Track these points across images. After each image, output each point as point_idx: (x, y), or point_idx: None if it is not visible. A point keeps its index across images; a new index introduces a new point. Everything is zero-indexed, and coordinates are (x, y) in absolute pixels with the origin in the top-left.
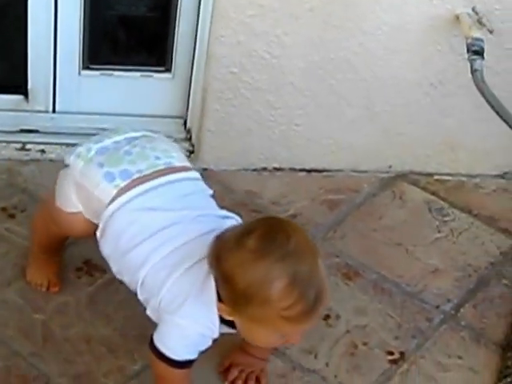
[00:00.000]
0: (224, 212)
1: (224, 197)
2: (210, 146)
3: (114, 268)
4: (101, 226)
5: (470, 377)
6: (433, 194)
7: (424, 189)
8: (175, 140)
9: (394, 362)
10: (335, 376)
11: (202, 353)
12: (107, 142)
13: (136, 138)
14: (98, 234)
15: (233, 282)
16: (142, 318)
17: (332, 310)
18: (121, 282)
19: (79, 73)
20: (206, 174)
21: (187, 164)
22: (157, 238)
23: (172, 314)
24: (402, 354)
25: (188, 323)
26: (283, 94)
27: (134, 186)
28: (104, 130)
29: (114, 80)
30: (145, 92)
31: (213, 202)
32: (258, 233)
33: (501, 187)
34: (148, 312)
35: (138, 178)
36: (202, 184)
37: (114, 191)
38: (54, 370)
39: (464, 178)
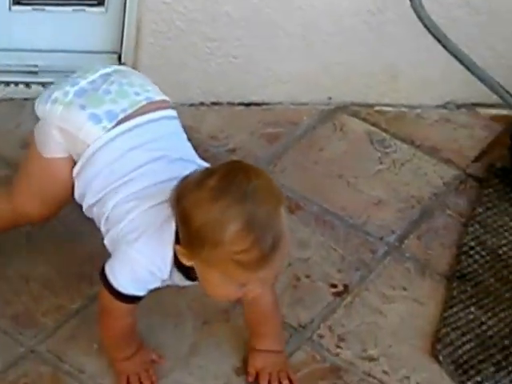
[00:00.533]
0: (199, 160)
1: None
2: None
3: (86, 205)
4: (79, 166)
5: (415, 308)
6: (374, 125)
7: (365, 120)
8: None
9: (337, 294)
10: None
11: (150, 291)
12: (83, 82)
13: (110, 75)
14: (75, 170)
15: (189, 221)
16: (81, 257)
17: None
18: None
19: (9, 8)
20: None
21: (165, 97)
22: (131, 175)
23: (127, 245)
24: (345, 286)
25: (140, 258)
26: (219, 26)
27: (119, 124)
28: (36, 66)
29: (46, 15)
30: (78, 27)
31: (191, 148)
32: (220, 173)
33: (443, 117)
34: (105, 241)
35: (123, 118)
36: (179, 124)
37: (102, 133)
38: None
39: (405, 109)
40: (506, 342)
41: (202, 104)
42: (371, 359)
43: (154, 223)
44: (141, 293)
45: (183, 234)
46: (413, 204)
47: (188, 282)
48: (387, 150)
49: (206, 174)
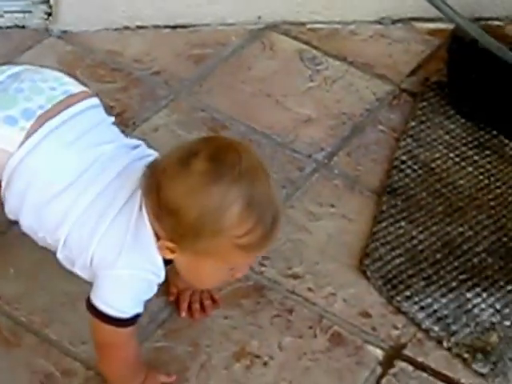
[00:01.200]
0: (132, 141)
1: (84, 58)
2: (69, 6)
3: (25, 223)
4: (5, 178)
5: (344, 224)
6: (305, 43)
7: (296, 38)
8: (32, 3)
9: None
10: None
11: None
12: None
13: (19, 73)
14: (3, 189)
15: (179, 213)
16: None
17: None
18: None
19: None
20: (66, 37)
21: (84, 88)
22: (76, 185)
23: (110, 268)
24: None
25: (130, 273)
26: None
27: (41, 126)
28: None
29: None
30: None
31: (118, 131)
32: (205, 154)
33: (378, 33)
34: (77, 271)
35: (42, 115)
36: (103, 111)
37: (22, 134)
38: None
39: (339, 26)
40: (438, 256)
41: (126, 28)
42: (296, 277)
43: (128, 231)
44: (141, 309)
45: (171, 227)
46: (344, 121)
47: None
48: (318, 68)
49: (187, 155)
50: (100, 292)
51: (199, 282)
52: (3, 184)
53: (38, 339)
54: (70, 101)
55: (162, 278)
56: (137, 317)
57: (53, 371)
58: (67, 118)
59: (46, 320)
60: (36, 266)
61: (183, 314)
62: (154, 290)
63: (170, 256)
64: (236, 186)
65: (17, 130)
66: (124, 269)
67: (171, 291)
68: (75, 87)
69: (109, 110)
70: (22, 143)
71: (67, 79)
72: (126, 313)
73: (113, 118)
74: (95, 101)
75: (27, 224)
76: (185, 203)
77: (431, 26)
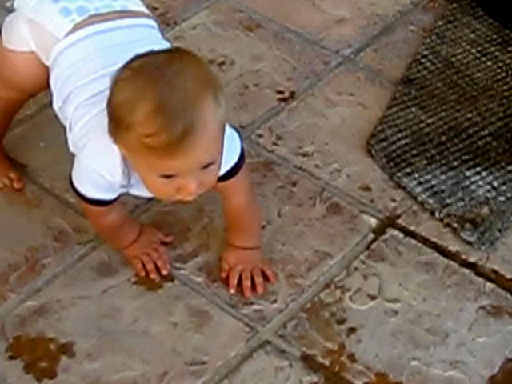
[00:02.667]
0: None
1: None
2: None
3: (56, 106)
4: (51, 62)
5: (359, 111)
6: None
7: None
8: None
9: (283, 100)
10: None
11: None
12: None
13: None
14: (46, 62)
15: (109, 102)
16: None
17: (227, 57)
18: None
19: None
20: None
21: (143, 9)
22: (93, 75)
23: (79, 151)
24: (292, 93)
25: (89, 163)
26: None
27: (90, 24)
28: None
29: None
30: None
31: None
32: (146, 56)
33: None
34: (70, 148)
35: (94, 16)
36: (157, 33)
37: (70, 26)
38: None
39: None
40: (443, 138)
41: None
42: (305, 155)
43: (100, 127)
44: (107, 197)
45: (108, 120)
46: (375, 21)
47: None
48: None
49: (141, 54)
50: (73, 169)
51: (145, 184)
52: (51, 64)
53: (56, 201)
54: (124, 14)
55: (118, 178)
56: (103, 201)
57: (66, 228)
58: (115, 27)
59: (67, 186)
60: (64, 142)
61: (232, 290)
62: (116, 187)
63: (125, 157)
64: (152, 86)
65: (67, 21)
66: (86, 158)
67: (222, 268)
68: (134, 5)
69: (152, 10)
70: (68, 34)
71: None
72: (89, 192)
73: (168, 44)
74: (151, 22)
75: (56, 108)
76: (112, 93)
77: None
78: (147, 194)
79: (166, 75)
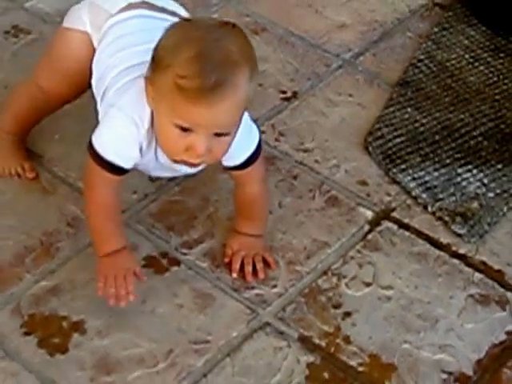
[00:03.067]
0: None
1: None
2: None
3: (94, 81)
4: (101, 34)
5: (358, 111)
6: None
7: None
8: None
9: (286, 99)
10: None
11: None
12: None
13: None
14: (96, 43)
15: (156, 46)
16: None
17: None
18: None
19: None
20: None
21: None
22: (135, 48)
23: (111, 106)
24: (294, 93)
25: (120, 115)
26: None
27: (142, 8)
28: None
29: None
30: None
31: None
32: (204, 17)
33: None
34: (98, 107)
35: (147, 2)
36: None
37: (124, 4)
38: None
39: None
40: (437, 137)
41: None
42: (306, 150)
43: (136, 86)
44: (122, 162)
45: (149, 64)
46: (375, 27)
47: (172, 164)
48: None
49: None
50: (97, 128)
51: (160, 137)
52: (96, 42)
53: (70, 190)
54: (172, 13)
55: (141, 132)
56: (114, 167)
57: (79, 214)
58: (161, 17)
59: (81, 176)
60: (78, 135)
61: (234, 275)
62: (135, 149)
63: (151, 105)
64: (200, 37)
65: (123, 0)
66: (118, 110)
67: (226, 253)
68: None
69: None
70: (121, 11)
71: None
72: (105, 152)
73: None
74: None
75: (94, 82)
76: (161, 38)
77: None
78: (155, 172)
79: (216, 33)
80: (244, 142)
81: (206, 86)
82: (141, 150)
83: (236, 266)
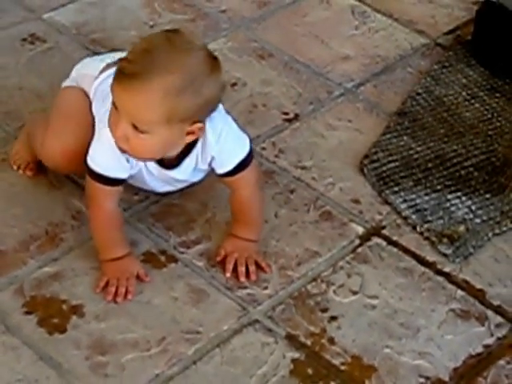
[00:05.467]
0: None
1: None
2: None
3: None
4: (91, 94)
5: (356, 136)
6: (360, 1)
7: None
8: None
9: (287, 120)
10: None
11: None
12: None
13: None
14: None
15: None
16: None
17: (240, 80)
18: None
19: None
20: None
21: None
22: None
23: (99, 120)
24: (296, 115)
25: (105, 129)
26: None
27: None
28: None
29: None
30: None
31: None
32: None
33: None
34: None
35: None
36: None
37: (103, 65)
38: None
39: None
40: (430, 165)
41: None
42: (303, 168)
43: None
44: (113, 173)
45: None
46: (377, 61)
47: (161, 170)
48: (366, 20)
49: None
50: (90, 148)
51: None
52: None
53: (75, 186)
54: None
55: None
56: (109, 179)
57: (83, 209)
58: None
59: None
60: None
61: (228, 274)
62: (122, 159)
63: None
64: (155, 37)
65: (102, 64)
66: (103, 124)
67: (219, 253)
68: None
69: None
70: (102, 71)
71: None
72: (98, 166)
73: None
74: None
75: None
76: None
77: None
78: (152, 183)
79: (171, 40)
80: (234, 150)
81: (127, 70)
82: (128, 159)
83: (230, 266)
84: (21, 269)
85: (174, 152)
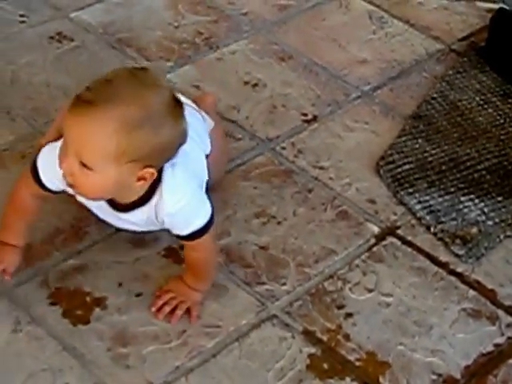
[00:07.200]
0: None
1: None
2: None
3: None
4: None
5: (372, 138)
6: (377, 6)
7: (370, 2)
8: None
9: (306, 121)
10: (251, 126)
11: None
12: None
13: None
14: None
15: None
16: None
17: (261, 81)
18: None
19: None
20: None
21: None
22: None
23: None
24: (315, 116)
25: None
26: None
27: None
28: None
29: None
30: None
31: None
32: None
33: (442, 6)
34: None
35: None
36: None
37: None
38: (16, 103)
39: None
40: (444, 167)
41: None
42: (321, 168)
43: None
44: (43, 175)
45: None
46: (394, 65)
47: (112, 211)
48: (383, 25)
49: None
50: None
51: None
52: None
53: None
54: None
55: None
56: (37, 176)
57: None
58: None
59: None
60: None
61: (153, 309)
62: (58, 174)
63: None
64: (119, 72)
65: None
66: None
67: (162, 287)
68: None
69: (197, 35)
70: None
71: None
72: (39, 158)
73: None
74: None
75: None
76: None
77: (492, 5)
78: (107, 217)
79: (141, 75)
80: (190, 218)
81: (84, 97)
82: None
83: (159, 302)
84: (46, 261)
85: (125, 199)
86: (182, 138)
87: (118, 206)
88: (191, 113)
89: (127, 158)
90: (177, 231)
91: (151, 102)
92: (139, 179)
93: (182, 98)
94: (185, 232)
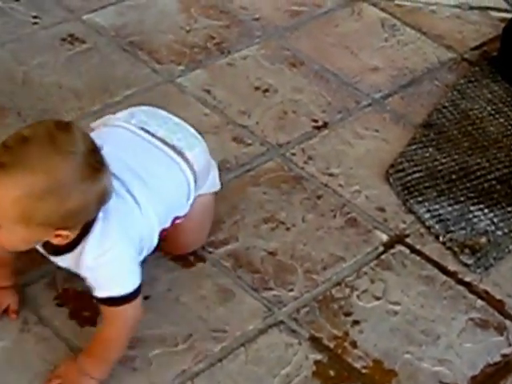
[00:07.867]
0: None
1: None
2: None
3: None
4: None
5: (382, 145)
6: (389, 14)
7: (382, 10)
8: None
9: (317, 128)
10: (262, 131)
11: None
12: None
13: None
14: None
15: None
16: (110, 77)
17: (272, 86)
18: None
19: None
20: None
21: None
22: None
23: None
24: (325, 123)
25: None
26: None
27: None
28: None
29: None
30: None
31: None
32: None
33: (455, 15)
34: None
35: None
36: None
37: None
38: (26, 104)
39: (422, 5)
40: (454, 177)
41: None
42: (331, 175)
43: None
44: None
45: None
46: (405, 73)
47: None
48: (395, 33)
49: None
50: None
51: None
52: None
53: None
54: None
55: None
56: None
57: None
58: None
59: None
60: None
61: None
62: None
63: None
64: (41, 128)
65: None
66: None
67: (54, 371)
68: (188, 150)
69: (209, 39)
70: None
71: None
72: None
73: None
74: (184, 167)
75: None
76: None
77: (504, 15)
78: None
79: (58, 139)
80: (112, 277)
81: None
82: None
83: (56, 381)
84: (52, 263)
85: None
86: (101, 198)
87: (49, 247)
88: (170, 167)
89: (35, 222)
90: (94, 291)
91: (63, 170)
92: (56, 236)
93: (176, 157)
94: (100, 294)
